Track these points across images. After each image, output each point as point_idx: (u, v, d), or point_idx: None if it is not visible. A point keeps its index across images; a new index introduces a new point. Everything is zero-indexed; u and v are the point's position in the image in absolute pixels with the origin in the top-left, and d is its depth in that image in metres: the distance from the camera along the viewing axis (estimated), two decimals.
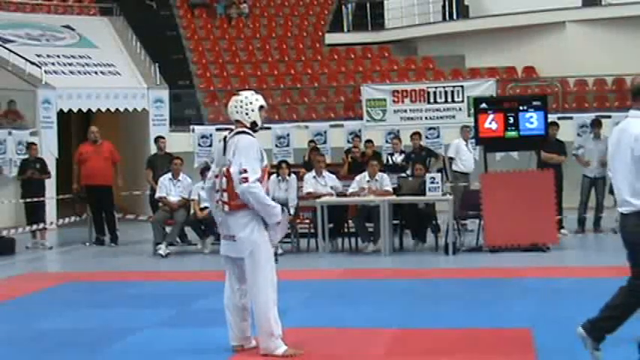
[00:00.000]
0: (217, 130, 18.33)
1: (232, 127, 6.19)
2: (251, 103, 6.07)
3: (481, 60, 20.97)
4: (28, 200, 13.92)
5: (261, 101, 6.15)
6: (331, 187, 12.43)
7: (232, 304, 6.10)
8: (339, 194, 12.39)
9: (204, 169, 12.99)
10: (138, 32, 21.68)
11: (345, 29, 23.43)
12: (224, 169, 5.99)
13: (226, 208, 5.98)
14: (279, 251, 9.18)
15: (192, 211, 12.63)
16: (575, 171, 13.67)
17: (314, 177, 12.52)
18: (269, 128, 17.84)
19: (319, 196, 12.06)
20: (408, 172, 13.18)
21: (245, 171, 5.83)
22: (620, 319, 5.25)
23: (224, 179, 5.99)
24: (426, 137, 17.28)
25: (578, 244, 12.58)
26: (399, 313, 7.53)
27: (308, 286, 9.11)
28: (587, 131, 14.94)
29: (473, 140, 13.77)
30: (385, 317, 7.34)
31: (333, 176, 12.66)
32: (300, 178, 12.65)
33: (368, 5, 23.58)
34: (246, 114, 6.05)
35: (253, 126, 6.07)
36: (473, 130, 13.00)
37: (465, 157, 14.41)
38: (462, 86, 18.52)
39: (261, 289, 5.90)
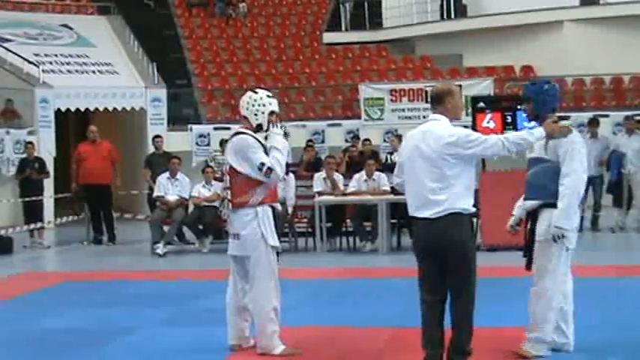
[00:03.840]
0: (215, 129, 18.32)
1: (229, 125, 6.19)
2: (264, 105, 6.00)
3: (479, 59, 20.96)
4: (27, 199, 13.92)
5: (274, 106, 6.04)
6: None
7: (234, 304, 6.11)
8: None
9: (205, 168, 13.12)
10: (136, 31, 21.66)
11: (343, 28, 23.41)
12: (227, 167, 6.03)
13: (230, 205, 6.02)
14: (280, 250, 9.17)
15: (189, 210, 12.63)
16: None
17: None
18: None
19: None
20: None
21: (263, 165, 5.82)
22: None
23: (227, 177, 6.03)
24: None
25: (576, 243, 12.54)
26: (398, 312, 7.52)
27: (306, 285, 9.10)
28: (584, 130, 14.92)
29: None
30: (384, 316, 7.35)
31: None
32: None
33: (366, 4, 23.56)
34: (255, 114, 6.00)
35: (258, 128, 6.02)
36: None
37: None
38: (459, 85, 18.41)
39: (262, 288, 5.90)
